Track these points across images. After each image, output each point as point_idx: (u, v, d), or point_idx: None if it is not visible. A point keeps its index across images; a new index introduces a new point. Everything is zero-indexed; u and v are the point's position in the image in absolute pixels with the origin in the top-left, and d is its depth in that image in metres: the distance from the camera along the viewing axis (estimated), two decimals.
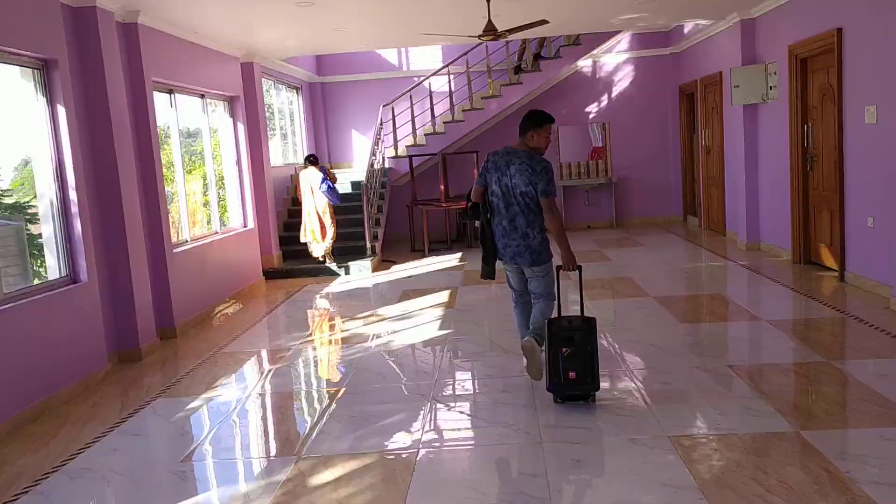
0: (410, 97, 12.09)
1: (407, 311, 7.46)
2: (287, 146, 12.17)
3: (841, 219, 7.24)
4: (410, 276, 9.49)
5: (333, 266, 9.88)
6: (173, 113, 7.58)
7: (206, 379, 5.54)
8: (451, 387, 5.06)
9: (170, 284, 6.84)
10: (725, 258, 9.16)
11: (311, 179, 9.77)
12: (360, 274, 9.87)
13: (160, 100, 7.27)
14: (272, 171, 10.70)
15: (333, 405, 4.80)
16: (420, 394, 4.89)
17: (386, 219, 11.69)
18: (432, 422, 4.43)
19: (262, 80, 10.61)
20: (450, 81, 12.14)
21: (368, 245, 10.23)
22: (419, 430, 4.26)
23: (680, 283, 8.09)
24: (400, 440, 4.14)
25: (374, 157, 11.19)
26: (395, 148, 12.16)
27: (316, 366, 5.87)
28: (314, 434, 4.32)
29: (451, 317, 7.03)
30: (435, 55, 13.00)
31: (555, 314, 4.59)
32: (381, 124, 11.85)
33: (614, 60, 12.86)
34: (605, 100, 12.96)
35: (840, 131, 7.14)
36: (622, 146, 12.87)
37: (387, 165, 12.22)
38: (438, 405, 4.66)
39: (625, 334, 5.95)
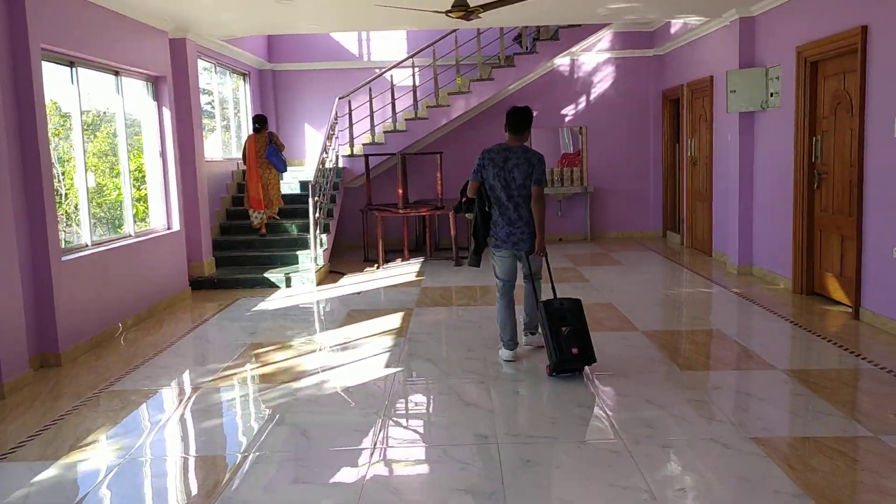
0: (370, 90, 10.90)
1: (350, 338, 6.27)
2: (230, 139, 10.89)
3: (858, 246, 6.24)
4: (360, 292, 8.30)
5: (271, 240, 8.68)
6: (74, 90, 6.29)
7: (76, 431, 4.28)
8: (392, 460, 3.89)
9: (54, 299, 5.55)
10: (716, 283, 8.14)
11: (257, 145, 9.24)
12: (303, 287, 8.64)
13: (55, 73, 5.99)
14: (209, 166, 9.43)
15: (235, 482, 3.60)
16: (350, 465, 3.72)
17: (337, 224, 10.48)
18: None
19: (199, 61, 9.33)
20: (414, 74, 10.98)
21: (314, 254, 9.01)
22: None
23: (670, 314, 7.03)
24: None
25: (325, 155, 9.97)
26: (351, 145, 10.96)
27: (224, 415, 4.65)
28: None
29: (401, 348, 5.87)
30: (399, 45, 11.83)
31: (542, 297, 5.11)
32: (335, 119, 10.64)
33: (594, 60, 11.82)
34: (582, 102, 11.92)
35: (860, 145, 6.15)
36: (599, 153, 11.83)
37: (341, 165, 11.01)
38: (370, 490, 3.49)
39: (615, 383, 4.83)
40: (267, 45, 11.86)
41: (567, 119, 11.95)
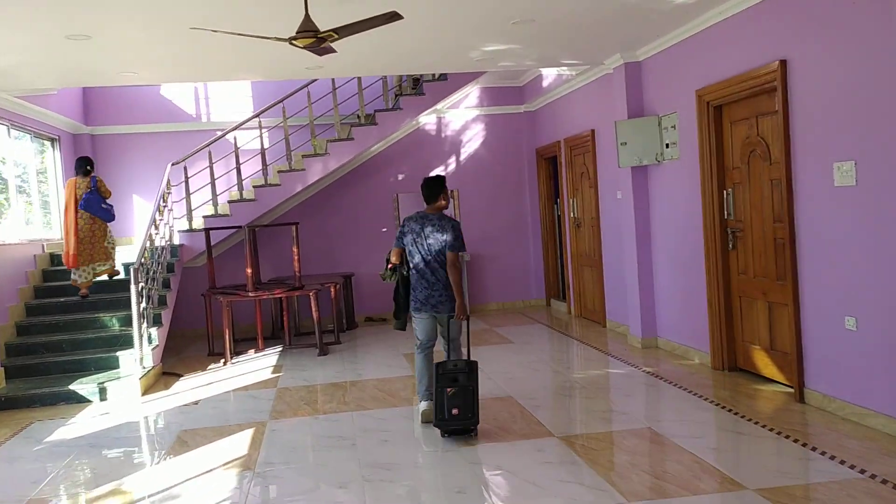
0: (209, 154, 9.31)
1: (174, 480, 4.58)
2: (33, 216, 8.89)
3: (795, 316, 5.32)
4: (198, 401, 6.57)
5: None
6: None
7: None
8: None
9: None
10: (621, 360, 7.08)
11: (77, 191, 7.84)
12: (124, 399, 6.79)
13: None
14: (2, 251, 7.47)
15: None
16: None
17: (172, 313, 8.68)
18: None
19: None
20: (262, 136, 9.53)
21: (139, 355, 7.19)
22: None
23: (585, 407, 5.79)
24: None
25: (154, 230, 8.24)
26: (189, 219, 9.26)
27: None
28: None
29: (246, 491, 4.26)
30: (244, 104, 10.37)
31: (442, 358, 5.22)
32: (168, 188, 8.96)
33: (462, 117, 10.86)
34: (452, 163, 10.88)
35: (790, 198, 5.30)
36: (473, 218, 10.76)
37: (177, 241, 9.27)
38: None
39: None
40: (82, 104, 10.05)
41: None
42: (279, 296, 8.17)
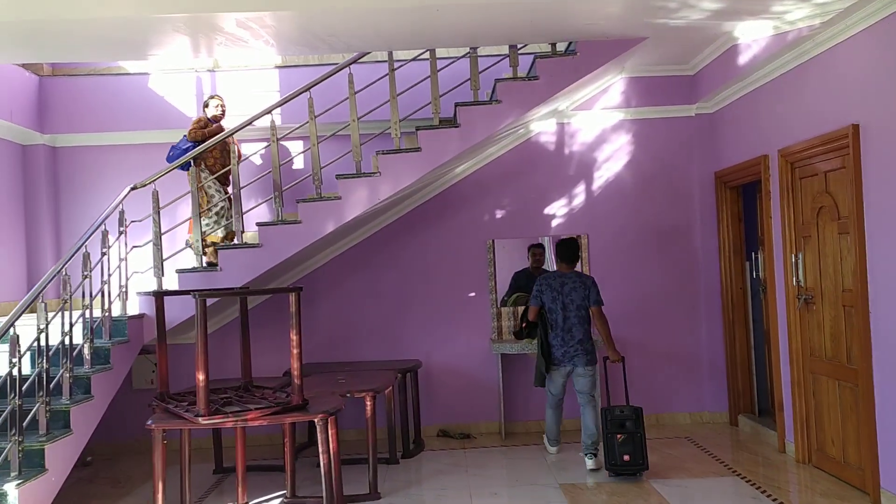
0: (194, 172, 5.85)
1: None
2: None
3: None
4: None
5: None
6: None
7: None
8: None
9: None
10: None
11: None
12: None
13: None
14: None
15: None
16: None
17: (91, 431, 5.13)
18: None
19: None
20: (274, 143, 5.98)
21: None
22: None
23: None
24: None
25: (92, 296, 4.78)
26: (159, 273, 5.77)
27: None
28: None
29: None
30: (263, 101, 6.87)
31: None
32: (122, 224, 5.58)
33: (596, 123, 7.00)
34: (578, 194, 7.00)
35: None
36: (610, 279, 6.79)
37: (136, 310, 5.82)
38: None
39: None
40: (37, 101, 6.88)
41: (555, 223, 6.98)
42: (255, 423, 4.43)
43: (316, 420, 4.44)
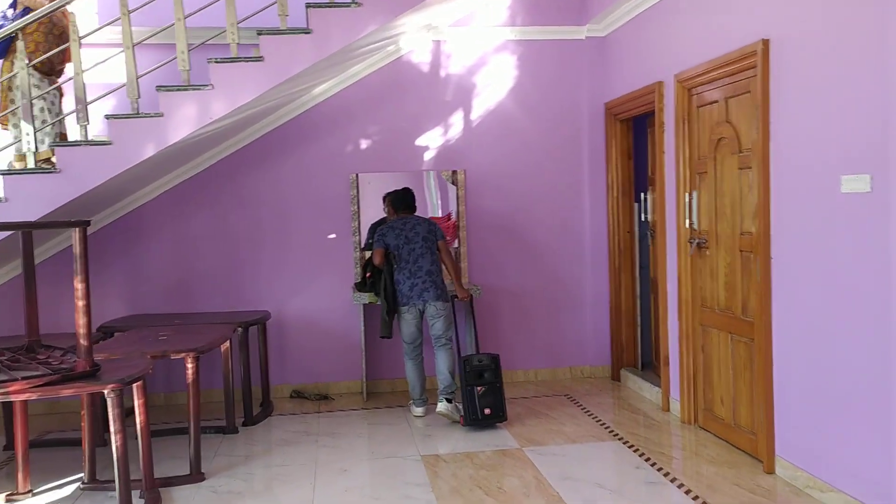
0: None
1: None
2: None
3: None
4: None
5: None
6: None
7: None
8: None
9: None
10: None
11: None
12: None
13: None
14: None
15: None
16: None
17: None
18: None
19: None
20: (76, 41, 4.78)
21: None
22: None
23: None
24: None
25: None
26: None
27: None
28: None
29: None
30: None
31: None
32: None
33: (475, 44, 6.15)
34: (454, 124, 6.17)
35: None
36: (488, 221, 6.07)
37: None
38: None
39: None
40: None
41: (427, 156, 6.14)
42: (20, 397, 3.40)
43: (106, 392, 3.46)
